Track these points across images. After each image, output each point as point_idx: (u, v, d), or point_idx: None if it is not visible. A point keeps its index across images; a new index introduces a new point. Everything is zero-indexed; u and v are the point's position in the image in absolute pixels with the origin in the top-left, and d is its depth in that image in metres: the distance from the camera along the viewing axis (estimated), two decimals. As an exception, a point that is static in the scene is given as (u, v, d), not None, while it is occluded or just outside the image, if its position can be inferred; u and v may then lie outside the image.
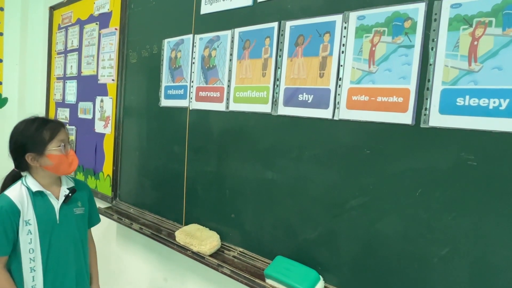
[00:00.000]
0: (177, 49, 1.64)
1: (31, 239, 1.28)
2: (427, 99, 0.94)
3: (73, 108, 2.44)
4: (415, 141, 0.96)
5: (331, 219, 1.13)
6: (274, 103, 1.27)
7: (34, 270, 1.30)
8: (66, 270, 1.37)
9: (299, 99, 1.20)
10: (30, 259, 1.29)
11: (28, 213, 1.28)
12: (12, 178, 1.35)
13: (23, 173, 1.34)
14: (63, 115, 2.56)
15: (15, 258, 1.28)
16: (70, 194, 1.37)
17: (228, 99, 1.42)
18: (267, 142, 1.29)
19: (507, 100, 0.82)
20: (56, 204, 1.34)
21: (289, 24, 1.23)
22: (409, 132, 0.97)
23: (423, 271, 0.95)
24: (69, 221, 1.37)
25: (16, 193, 1.28)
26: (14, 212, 1.25)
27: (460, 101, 0.89)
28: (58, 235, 1.34)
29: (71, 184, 1.42)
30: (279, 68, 1.26)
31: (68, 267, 1.37)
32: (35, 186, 1.31)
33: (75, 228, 1.40)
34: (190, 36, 1.58)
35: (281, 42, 1.25)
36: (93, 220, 1.54)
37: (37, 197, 1.31)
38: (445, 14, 0.91)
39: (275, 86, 1.27)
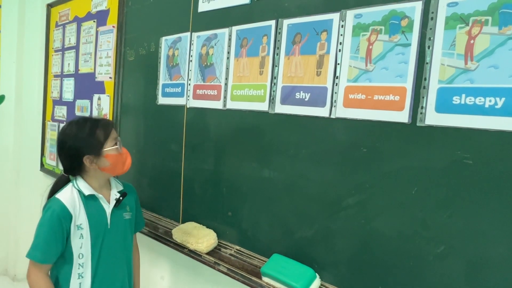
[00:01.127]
0: (175, 47, 1.64)
1: (82, 243, 1.24)
2: (423, 97, 0.94)
3: (71, 105, 2.43)
4: (411, 139, 0.96)
5: (327, 217, 1.13)
6: (271, 101, 1.27)
7: (82, 277, 1.25)
8: (114, 278, 1.33)
9: (296, 97, 1.20)
10: (79, 264, 1.24)
11: (80, 217, 1.23)
12: (63, 183, 1.30)
13: (71, 177, 1.31)
14: (60, 112, 2.55)
15: (65, 263, 1.24)
16: (121, 198, 1.33)
17: (225, 97, 1.42)
18: (264, 140, 1.29)
19: (503, 99, 0.83)
20: (108, 208, 1.30)
21: (286, 22, 1.23)
22: (405, 131, 0.97)
23: (418, 269, 0.95)
24: (119, 226, 1.33)
25: (68, 196, 1.23)
26: (66, 216, 1.20)
27: (456, 100, 0.89)
28: (109, 240, 1.30)
29: (120, 187, 1.38)
30: (276, 66, 1.26)
31: (115, 275, 1.34)
32: (87, 190, 1.26)
33: (124, 234, 1.36)
34: (188, 34, 1.58)
35: (278, 40, 1.25)
36: (138, 224, 1.49)
37: (89, 201, 1.27)
38: (442, 13, 0.91)
39: (273, 84, 1.27)
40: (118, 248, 1.34)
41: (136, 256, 1.51)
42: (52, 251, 1.20)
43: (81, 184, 1.27)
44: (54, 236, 1.19)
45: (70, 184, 1.28)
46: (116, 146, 1.26)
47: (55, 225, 1.19)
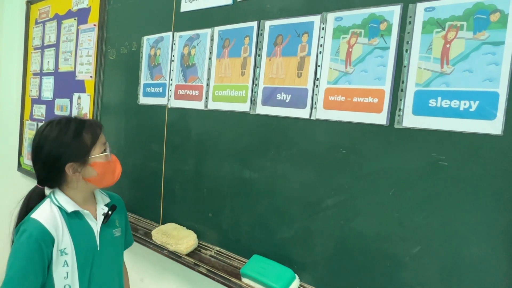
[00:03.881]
0: (157, 47, 1.63)
1: (67, 272, 1.03)
2: (401, 100, 0.96)
3: (50, 104, 2.38)
4: (389, 141, 0.98)
5: (307, 218, 1.13)
6: (253, 102, 1.27)
7: None
8: None
9: (277, 98, 1.20)
10: None
11: (63, 240, 1.02)
12: (39, 197, 1.09)
13: (47, 190, 1.10)
14: (39, 112, 2.50)
15: None
16: (110, 213, 1.14)
17: (207, 97, 1.41)
18: (245, 141, 1.29)
19: (477, 102, 0.85)
20: (95, 226, 1.10)
21: (268, 23, 1.23)
22: (383, 133, 0.99)
23: (395, 269, 0.97)
24: (109, 247, 1.14)
25: (47, 215, 1.02)
26: (47, 241, 0.99)
27: (432, 103, 0.91)
28: (99, 264, 1.10)
29: (107, 200, 1.20)
30: (258, 67, 1.26)
31: None
32: (70, 205, 1.06)
33: (116, 255, 1.19)
34: (170, 33, 1.57)
35: (260, 42, 1.25)
36: (128, 240, 1.32)
37: (73, 219, 1.06)
38: (419, 17, 0.93)
39: (254, 85, 1.27)
40: (112, 271, 1.17)
41: (125, 277, 1.34)
42: (30, 284, 0.98)
43: (62, 198, 1.07)
44: (32, 266, 0.97)
45: (47, 200, 1.07)
46: (106, 153, 1.10)
47: (34, 252, 0.97)
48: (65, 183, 1.08)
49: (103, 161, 1.09)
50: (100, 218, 1.13)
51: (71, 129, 1.05)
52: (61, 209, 1.06)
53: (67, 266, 1.03)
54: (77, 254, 1.05)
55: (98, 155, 1.08)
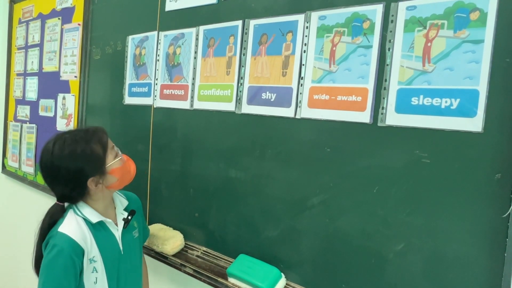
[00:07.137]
0: (142, 46, 1.61)
1: (96, 278, 1.08)
2: (384, 98, 0.96)
3: (34, 105, 2.35)
4: (372, 139, 0.98)
5: (292, 217, 1.14)
6: (238, 101, 1.26)
7: None
8: None
9: (263, 97, 1.20)
10: None
11: (92, 250, 1.06)
12: (61, 212, 1.09)
13: (67, 204, 1.11)
14: (23, 112, 2.46)
15: None
16: (129, 218, 1.18)
17: (192, 97, 1.41)
18: (230, 140, 1.29)
19: (458, 100, 0.86)
20: (117, 232, 1.15)
21: (253, 22, 1.23)
22: (367, 131, 0.99)
23: (379, 266, 0.97)
24: (131, 248, 1.20)
25: (74, 228, 1.04)
26: (78, 253, 1.02)
27: (414, 101, 0.92)
28: (125, 267, 1.16)
29: (125, 202, 1.23)
30: (243, 66, 1.26)
31: None
32: (95, 216, 1.09)
33: (138, 255, 1.25)
34: (155, 33, 1.55)
35: (245, 41, 1.25)
36: (145, 234, 1.37)
37: (97, 228, 1.10)
38: (401, 16, 0.94)
39: (239, 84, 1.26)
40: (136, 271, 1.23)
41: (144, 270, 1.39)
42: None
43: (85, 210, 1.09)
44: (67, 281, 1.00)
45: (70, 212, 1.09)
46: (119, 157, 1.11)
47: (67, 266, 1.00)
48: (88, 195, 1.10)
49: (120, 166, 1.11)
50: (121, 223, 1.17)
51: (80, 143, 1.05)
52: (85, 220, 1.08)
53: (96, 272, 1.08)
54: (104, 261, 1.10)
55: (113, 162, 1.09)
